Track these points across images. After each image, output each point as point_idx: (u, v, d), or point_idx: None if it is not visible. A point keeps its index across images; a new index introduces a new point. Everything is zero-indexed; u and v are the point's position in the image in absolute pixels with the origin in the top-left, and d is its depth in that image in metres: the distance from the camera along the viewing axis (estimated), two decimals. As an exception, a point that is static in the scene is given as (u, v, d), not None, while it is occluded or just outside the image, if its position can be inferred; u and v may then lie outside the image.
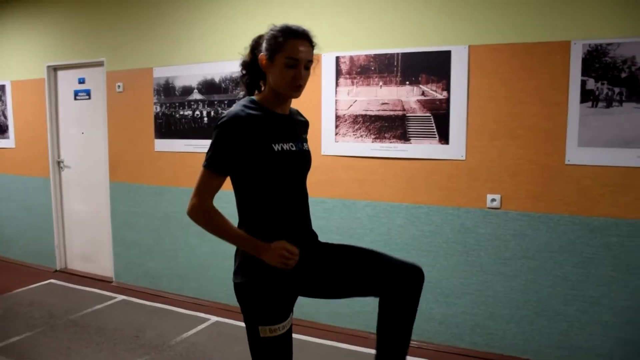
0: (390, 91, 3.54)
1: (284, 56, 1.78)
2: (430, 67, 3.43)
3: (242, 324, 3.95)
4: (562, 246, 3.19)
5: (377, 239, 3.65)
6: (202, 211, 1.79)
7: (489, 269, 3.37)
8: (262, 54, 1.82)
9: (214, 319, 4.13)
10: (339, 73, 3.69)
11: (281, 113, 1.89)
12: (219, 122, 1.75)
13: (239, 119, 1.74)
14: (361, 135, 3.64)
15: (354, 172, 3.68)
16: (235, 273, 1.89)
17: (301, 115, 2.08)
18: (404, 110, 3.51)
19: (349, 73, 3.66)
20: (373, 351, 3.52)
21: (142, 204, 4.72)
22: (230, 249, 4.34)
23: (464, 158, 3.37)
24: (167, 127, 4.49)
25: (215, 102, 4.21)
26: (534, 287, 3.26)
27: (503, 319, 3.36)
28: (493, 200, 3.29)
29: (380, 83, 3.57)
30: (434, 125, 3.43)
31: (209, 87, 4.24)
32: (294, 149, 1.86)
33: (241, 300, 1.87)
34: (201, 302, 4.39)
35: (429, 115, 3.44)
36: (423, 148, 3.47)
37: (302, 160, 1.92)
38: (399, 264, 1.92)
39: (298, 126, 1.98)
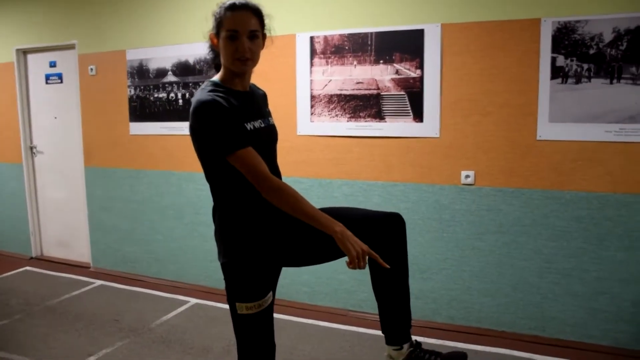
0: (365, 70, 3.55)
1: (224, 29, 1.74)
2: (403, 45, 3.44)
3: (222, 305, 4.00)
4: (535, 220, 3.26)
5: (354, 218, 3.67)
6: (273, 187, 1.69)
7: (464, 244, 3.43)
8: (211, 33, 1.81)
9: (193, 301, 4.14)
10: (313, 53, 3.69)
11: (242, 90, 1.86)
12: (198, 114, 1.70)
13: (213, 102, 1.69)
14: (336, 115, 3.66)
15: (330, 152, 3.70)
16: (219, 253, 1.91)
17: (258, 88, 2.04)
18: (378, 89, 3.53)
19: (324, 53, 3.66)
20: (352, 328, 3.59)
21: (118, 188, 4.69)
22: (208, 231, 4.35)
23: (438, 136, 3.41)
24: (141, 110, 4.44)
25: (190, 84, 4.18)
26: (509, 261, 3.33)
27: (479, 292, 3.44)
28: (467, 176, 3.34)
29: (355, 62, 3.58)
30: (408, 103, 3.46)
31: (183, 69, 4.20)
32: (262, 125, 1.87)
33: (225, 279, 1.90)
34: (180, 285, 4.39)
35: (403, 93, 3.47)
36: (398, 126, 3.50)
37: (271, 135, 1.93)
38: (377, 216, 1.90)
39: (260, 101, 1.98)
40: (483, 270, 3.40)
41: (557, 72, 3.14)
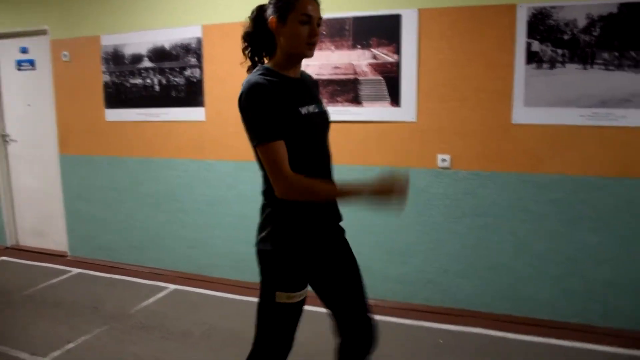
0: (342, 55, 3.56)
1: (299, 13, 1.76)
2: (381, 30, 3.45)
3: (202, 291, 4.01)
4: (511, 203, 3.32)
5: (333, 203, 3.69)
6: (294, 186, 1.73)
7: (441, 227, 3.48)
8: (272, 17, 1.80)
9: (172, 287, 4.15)
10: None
11: (294, 77, 1.87)
12: (246, 95, 1.71)
13: (263, 86, 1.70)
14: (315, 100, 3.66)
15: (335, 136, 3.68)
16: (264, 240, 1.85)
17: (309, 76, 2.05)
18: (355, 74, 3.54)
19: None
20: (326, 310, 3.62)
21: (95, 176, 4.64)
22: (187, 218, 4.33)
23: (415, 120, 3.44)
24: (117, 96, 4.39)
25: (167, 70, 4.14)
26: (484, 243, 3.39)
27: (456, 274, 3.50)
28: (444, 160, 3.38)
29: (332, 47, 3.58)
30: (385, 88, 3.47)
31: (159, 54, 4.16)
32: (317, 110, 1.88)
33: (264, 266, 1.87)
34: (159, 272, 4.38)
35: (381, 78, 3.48)
36: (375, 111, 3.52)
37: (325, 120, 1.95)
38: (362, 317, 2.07)
39: (312, 88, 2.00)
40: (459, 253, 3.46)
41: (532, 57, 3.19)
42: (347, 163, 3.62)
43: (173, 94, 4.14)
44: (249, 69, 1.90)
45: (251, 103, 1.71)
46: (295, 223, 1.84)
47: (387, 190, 1.74)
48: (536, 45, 3.17)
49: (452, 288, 3.50)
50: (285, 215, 1.83)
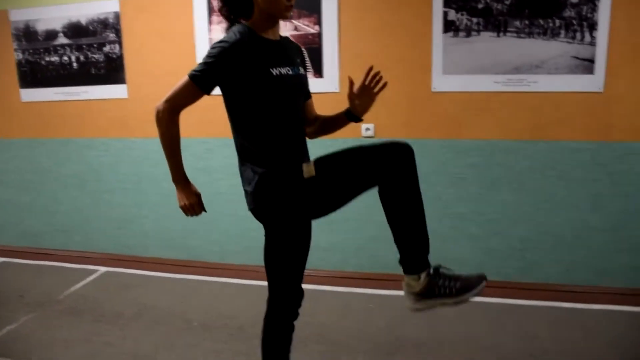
0: (265, 27, 3.53)
1: None
2: (301, 2, 3.44)
3: (133, 271, 3.95)
4: (434, 168, 3.43)
5: (261, 176, 3.70)
6: (168, 118, 1.82)
7: (367, 195, 3.53)
8: None
9: (103, 269, 4.06)
10: (211, 11, 3.62)
11: (272, 39, 1.88)
12: (219, 43, 1.74)
13: (238, 43, 1.74)
14: (239, 74, 3.63)
15: None
16: (257, 192, 1.87)
17: (291, 41, 2.06)
18: (279, 46, 3.52)
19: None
20: (264, 283, 3.66)
21: (12, 159, 4.43)
22: (113, 198, 4.22)
23: (338, 90, 3.47)
24: (33, 75, 4.19)
25: (84, 47, 3.98)
26: (410, 208, 3.50)
27: (384, 241, 3.54)
28: (367, 129, 3.44)
29: (227, 23, 3.54)
30: (308, 60, 3.49)
31: (75, 30, 3.98)
32: (290, 72, 1.87)
33: (269, 200, 1.87)
34: (88, 255, 4.27)
35: (303, 49, 3.48)
36: (300, 83, 3.53)
37: (299, 83, 1.95)
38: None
39: (290, 51, 1.98)
40: (385, 218, 3.55)
41: (449, 26, 3.27)
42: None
43: (92, 71, 4.00)
44: (227, 29, 1.91)
45: (220, 50, 1.73)
46: (277, 163, 1.85)
47: (183, 198, 1.97)
48: (452, 14, 3.26)
49: (382, 254, 3.60)
50: (266, 161, 1.84)
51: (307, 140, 2.11)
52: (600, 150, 3.25)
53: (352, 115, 2.05)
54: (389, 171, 1.86)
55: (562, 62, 3.18)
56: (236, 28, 1.82)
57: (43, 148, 4.30)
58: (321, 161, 1.85)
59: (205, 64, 1.76)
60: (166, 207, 3.99)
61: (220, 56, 1.74)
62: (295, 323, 2.10)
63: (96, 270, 4.04)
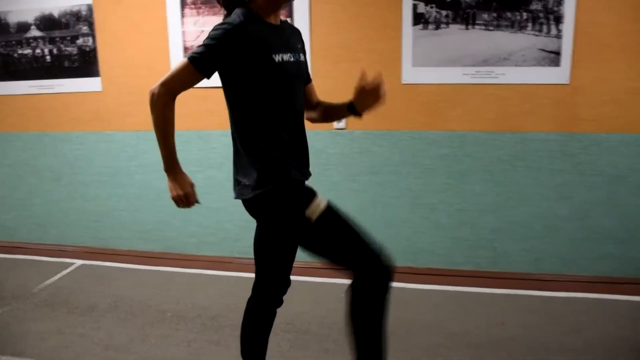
0: (237, 20, 3.55)
1: None
2: (274, -6, 3.47)
3: (109, 264, 3.96)
4: (404, 160, 3.48)
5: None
6: (163, 102, 1.75)
7: (340, 186, 3.60)
8: None
9: (79, 262, 4.07)
10: (183, 3, 3.63)
11: (274, 23, 1.84)
12: (222, 25, 1.70)
13: (241, 28, 1.69)
14: (211, 66, 3.64)
15: (208, 103, 3.67)
16: (253, 188, 1.82)
17: (291, 25, 2.03)
18: (251, 39, 3.55)
19: (194, 3, 3.61)
20: (238, 274, 3.70)
21: (-14, 153, 4.42)
22: (89, 191, 4.22)
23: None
24: (5, 68, 4.16)
25: (57, 39, 3.97)
26: (382, 199, 3.55)
27: (357, 232, 3.64)
28: (339, 121, 3.48)
29: (222, 12, 3.55)
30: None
31: (48, 22, 3.97)
32: (292, 59, 1.83)
33: (271, 206, 1.84)
34: (64, 248, 4.27)
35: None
36: (272, 76, 3.55)
37: (300, 70, 1.91)
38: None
39: (292, 36, 1.94)
40: (358, 210, 3.53)
41: (418, 19, 3.31)
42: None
43: (66, 64, 3.99)
44: (226, 15, 1.86)
45: (222, 33, 1.68)
46: (268, 169, 1.81)
47: (176, 188, 1.88)
48: (422, 7, 3.30)
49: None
50: (265, 154, 1.80)
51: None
52: (567, 141, 3.32)
53: (354, 109, 1.99)
54: (367, 281, 1.82)
55: (529, 54, 3.24)
56: (239, 11, 1.77)
57: (18, 141, 4.29)
58: (326, 217, 1.81)
59: (206, 46, 1.69)
60: (142, 199, 4.01)
61: (222, 38, 1.68)
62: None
63: (72, 264, 4.04)
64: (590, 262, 3.40)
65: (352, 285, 1.85)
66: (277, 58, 1.76)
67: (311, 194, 1.85)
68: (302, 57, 1.94)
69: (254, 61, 1.72)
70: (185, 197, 1.89)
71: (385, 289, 1.81)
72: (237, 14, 1.75)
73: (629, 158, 3.24)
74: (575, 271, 3.42)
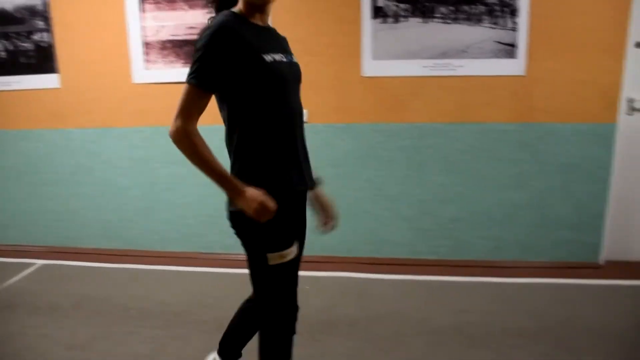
0: (196, 15, 3.53)
1: None
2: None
3: (71, 263, 3.91)
4: (365, 152, 3.52)
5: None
6: (187, 135, 1.59)
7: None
8: None
9: (40, 262, 4.00)
10: (142, -2, 3.60)
11: (263, 25, 1.76)
12: (207, 34, 1.58)
13: (227, 29, 1.59)
14: (171, 61, 3.62)
15: (169, 99, 3.59)
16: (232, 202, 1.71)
17: (278, 33, 1.92)
18: (211, 33, 3.53)
19: (153, -2, 3.58)
20: (203, 269, 3.70)
21: (-58, 152, 4.31)
22: (50, 190, 4.15)
23: (271, 77, 3.51)
24: (-41, 65, 4.06)
25: (12, 35, 3.87)
26: (344, 191, 3.58)
27: (321, 224, 3.67)
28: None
29: (186, 7, 3.54)
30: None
31: (1, 17, 3.86)
32: (284, 60, 1.74)
33: (245, 229, 1.74)
34: (26, 249, 4.20)
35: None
36: (233, 70, 3.54)
37: (294, 71, 1.81)
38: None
39: (281, 39, 1.89)
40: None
41: (377, 12, 3.35)
42: (208, 124, 3.59)
43: (22, 60, 3.91)
44: (212, 18, 1.74)
45: (210, 41, 1.58)
46: (270, 178, 1.71)
47: (249, 204, 1.64)
48: (381, 1, 3.33)
49: (317, 237, 3.67)
50: (258, 171, 1.70)
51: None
52: (524, 131, 3.40)
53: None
54: (274, 321, 1.88)
55: (486, 47, 3.31)
56: (225, 12, 1.68)
57: (-26, 140, 4.20)
58: (282, 265, 1.76)
59: (198, 60, 1.59)
60: (104, 197, 3.96)
61: (210, 44, 1.58)
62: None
63: (33, 264, 3.98)
64: (547, 248, 3.51)
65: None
66: (268, 57, 1.66)
67: (288, 238, 1.76)
68: (294, 59, 1.85)
69: (243, 62, 1.62)
70: (262, 206, 1.63)
71: (286, 336, 1.91)
72: (222, 15, 1.66)
73: (582, 147, 3.35)
74: (533, 257, 3.52)
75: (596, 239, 3.48)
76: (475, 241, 3.56)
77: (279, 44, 1.82)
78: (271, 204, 1.64)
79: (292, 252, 1.76)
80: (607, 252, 3.53)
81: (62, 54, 3.84)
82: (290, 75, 1.77)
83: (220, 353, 2.21)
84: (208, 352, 2.41)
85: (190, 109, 1.60)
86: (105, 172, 3.92)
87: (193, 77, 1.59)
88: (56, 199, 4.11)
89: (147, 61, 3.65)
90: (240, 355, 2.20)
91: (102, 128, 3.85)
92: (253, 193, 1.63)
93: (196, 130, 1.61)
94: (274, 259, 1.72)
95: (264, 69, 1.64)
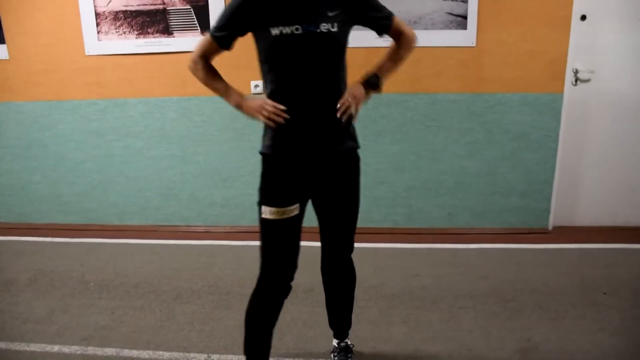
0: (149, -15, 3.48)
1: None
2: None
3: (26, 238, 3.86)
4: (322, 123, 3.56)
5: (152, 135, 3.72)
6: (192, 64, 1.87)
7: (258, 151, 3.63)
8: None
9: (-4, 238, 3.95)
10: (92, -34, 3.51)
11: None
12: None
13: None
14: (124, 32, 3.56)
15: (122, 71, 3.61)
16: (263, 142, 1.91)
17: None
18: (164, 4, 3.48)
19: (103, -34, 3.50)
20: (162, 241, 3.71)
21: None
22: (2, 165, 4.05)
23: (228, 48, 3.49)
24: None
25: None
26: (301, 162, 3.63)
27: (279, 195, 3.71)
28: (256, 86, 3.50)
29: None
30: (194, 17, 3.48)
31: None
32: (298, 32, 1.65)
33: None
34: (-22, 225, 4.13)
35: (189, 7, 3.47)
36: (187, 41, 3.51)
37: (309, 44, 1.69)
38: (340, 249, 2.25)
39: (313, 5, 1.69)
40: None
41: None
42: (163, 95, 3.63)
43: (-33, 31, 3.79)
44: None
45: (230, 4, 1.75)
46: (267, 132, 1.86)
47: (252, 108, 1.84)
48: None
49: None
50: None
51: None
52: (474, 101, 3.49)
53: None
54: (269, 286, 1.96)
55: (437, 18, 3.36)
56: None
57: None
58: (273, 222, 1.84)
59: (219, 18, 1.79)
60: (59, 171, 3.90)
61: (228, 7, 1.76)
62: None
63: (-14, 240, 3.92)
64: (498, 214, 3.64)
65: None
66: (275, 31, 1.65)
67: (283, 197, 1.82)
68: (319, 29, 1.68)
69: (252, 29, 1.76)
70: (264, 106, 1.78)
71: (278, 303, 1.98)
72: None
73: (530, 116, 3.46)
74: (484, 224, 3.65)
75: (545, 206, 3.63)
76: (429, 209, 3.66)
77: (305, 10, 1.68)
78: (270, 102, 1.77)
79: (283, 212, 1.80)
80: (555, 218, 3.68)
81: (8, 24, 3.72)
82: (300, 49, 1.69)
83: (336, 337, 2.42)
84: (167, 321, 2.44)
85: (200, 49, 1.85)
86: (59, 146, 3.85)
87: (211, 28, 1.83)
88: (8, 174, 4.03)
89: (100, 32, 3.58)
90: (349, 325, 2.43)
91: (54, 101, 3.77)
92: (253, 100, 1.85)
93: (202, 62, 1.86)
94: (264, 212, 1.83)
95: (268, 41, 1.70)
